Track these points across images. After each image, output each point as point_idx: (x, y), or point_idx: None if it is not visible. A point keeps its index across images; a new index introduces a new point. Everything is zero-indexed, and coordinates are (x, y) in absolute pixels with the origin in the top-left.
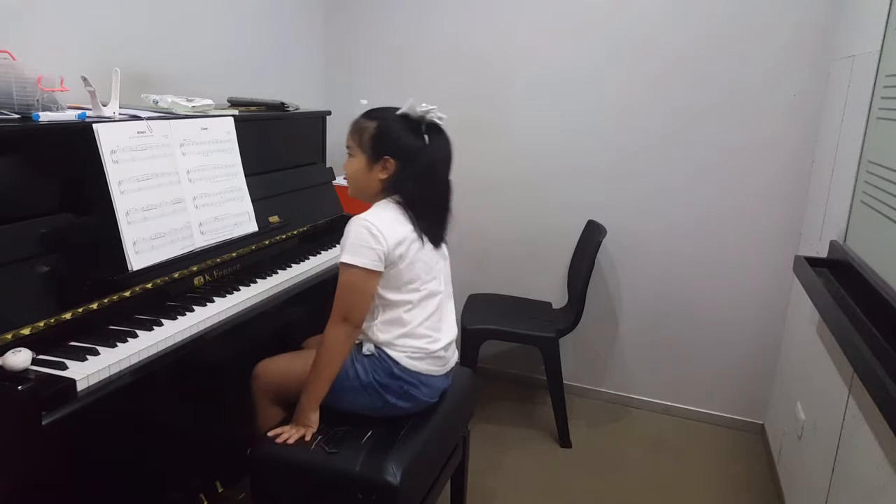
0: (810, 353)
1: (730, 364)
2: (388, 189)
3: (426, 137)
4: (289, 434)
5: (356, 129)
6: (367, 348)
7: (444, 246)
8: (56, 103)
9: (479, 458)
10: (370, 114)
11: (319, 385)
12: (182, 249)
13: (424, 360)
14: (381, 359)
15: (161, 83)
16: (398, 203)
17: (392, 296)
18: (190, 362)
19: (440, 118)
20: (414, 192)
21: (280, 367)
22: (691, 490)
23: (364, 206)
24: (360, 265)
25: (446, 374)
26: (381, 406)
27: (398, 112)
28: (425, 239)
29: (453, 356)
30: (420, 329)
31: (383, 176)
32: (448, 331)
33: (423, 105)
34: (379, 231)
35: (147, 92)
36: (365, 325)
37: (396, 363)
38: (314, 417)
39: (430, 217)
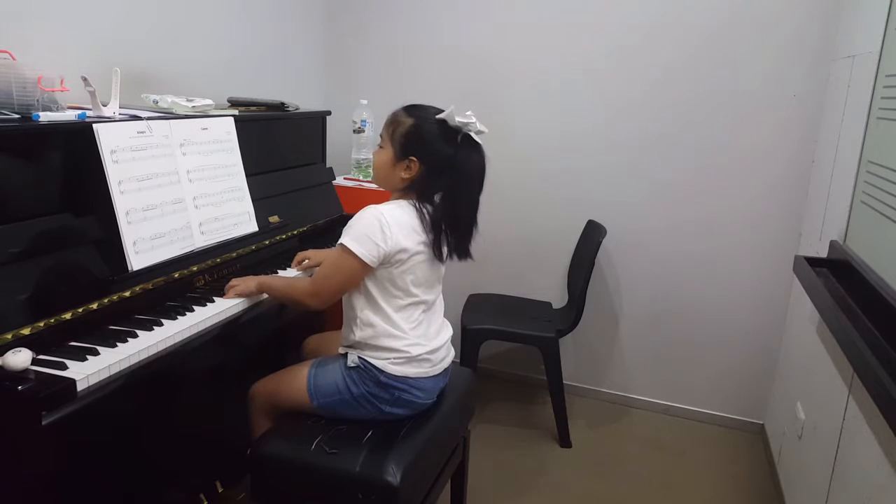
0: (810, 353)
1: (730, 364)
2: (410, 189)
3: (458, 149)
4: (232, 284)
5: (392, 121)
6: (352, 360)
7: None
8: (56, 103)
9: (479, 458)
10: (410, 109)
11: (271, 293)
12: (182, 249)
13: (410, 364)
14: (367, 368)
15: (161, 83)
16: (417, 209)
17: (376, 293)
18: (190, 362)
19: (480, 132)
20: (437, 205)
21: (271, 387)
22: (691, 490)
23: (362, 205)
24: (358, 255)
25: (441, 374)
26: (378, 415)
27: (437, 116)
28: (435, 252)
29: (447, 355)
30: (400, 334)
31: (406, 175)
32: (437, 336)
33: (469, 115)
34: (390, 230)
35: (147, 92)
36: (346, 323)
37: (381, 371)
38: (252, 289)
39: (451, 231)
